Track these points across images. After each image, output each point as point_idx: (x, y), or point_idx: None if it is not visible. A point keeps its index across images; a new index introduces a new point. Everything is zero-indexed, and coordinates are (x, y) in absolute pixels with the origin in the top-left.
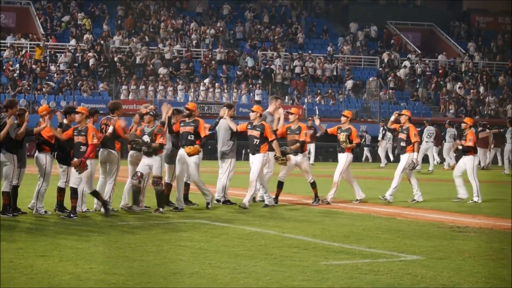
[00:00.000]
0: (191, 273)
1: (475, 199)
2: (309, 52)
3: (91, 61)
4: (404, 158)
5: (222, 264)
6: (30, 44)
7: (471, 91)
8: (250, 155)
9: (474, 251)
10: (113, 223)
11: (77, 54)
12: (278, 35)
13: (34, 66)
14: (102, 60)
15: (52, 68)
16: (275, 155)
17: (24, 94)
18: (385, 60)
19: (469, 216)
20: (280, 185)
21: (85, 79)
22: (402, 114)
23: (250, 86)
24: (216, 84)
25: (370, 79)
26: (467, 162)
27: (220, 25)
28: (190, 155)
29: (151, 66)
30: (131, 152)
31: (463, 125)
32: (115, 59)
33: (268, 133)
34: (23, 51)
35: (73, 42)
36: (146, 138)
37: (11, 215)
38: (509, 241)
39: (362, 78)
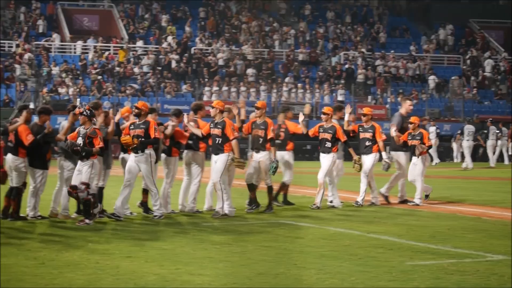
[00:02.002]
0: (277, 274)
1: (417, 201)
2: (392, 51)
3: (174, 63)
4: (370, 158)
5: (307, 265)
6: (114, 46)
7: None
8: (213, 155)
9: None
10: (198, 224)
11: (160, 56)
12: (360, 34)
13: (117, 69)
14: (185, 61)
15: (136, 70)
16: (233, 157)
17: (108, 96)
18: (469, 59)
19: None
20: (250, 187)
21: (168, 81)
22: (366, 114)
23: (333, 86)
24: (299, 84)
25: (453, 77)
26: (418, 162)
27: (302, 25)
28: (127, 145)
29: (233, 67)
30: (185, 151)
31: (410, 125)
32: (198, 60)
33: (228, 131)
34: (107, 53)
35: (140, 43)
36: (79, 141)
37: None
38: None
39: (445, 77)
